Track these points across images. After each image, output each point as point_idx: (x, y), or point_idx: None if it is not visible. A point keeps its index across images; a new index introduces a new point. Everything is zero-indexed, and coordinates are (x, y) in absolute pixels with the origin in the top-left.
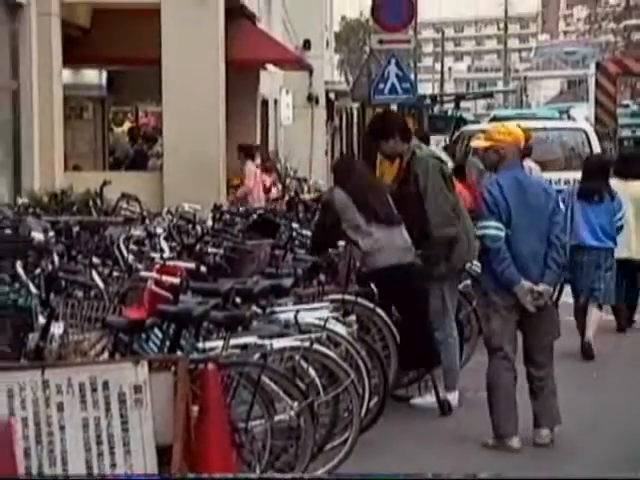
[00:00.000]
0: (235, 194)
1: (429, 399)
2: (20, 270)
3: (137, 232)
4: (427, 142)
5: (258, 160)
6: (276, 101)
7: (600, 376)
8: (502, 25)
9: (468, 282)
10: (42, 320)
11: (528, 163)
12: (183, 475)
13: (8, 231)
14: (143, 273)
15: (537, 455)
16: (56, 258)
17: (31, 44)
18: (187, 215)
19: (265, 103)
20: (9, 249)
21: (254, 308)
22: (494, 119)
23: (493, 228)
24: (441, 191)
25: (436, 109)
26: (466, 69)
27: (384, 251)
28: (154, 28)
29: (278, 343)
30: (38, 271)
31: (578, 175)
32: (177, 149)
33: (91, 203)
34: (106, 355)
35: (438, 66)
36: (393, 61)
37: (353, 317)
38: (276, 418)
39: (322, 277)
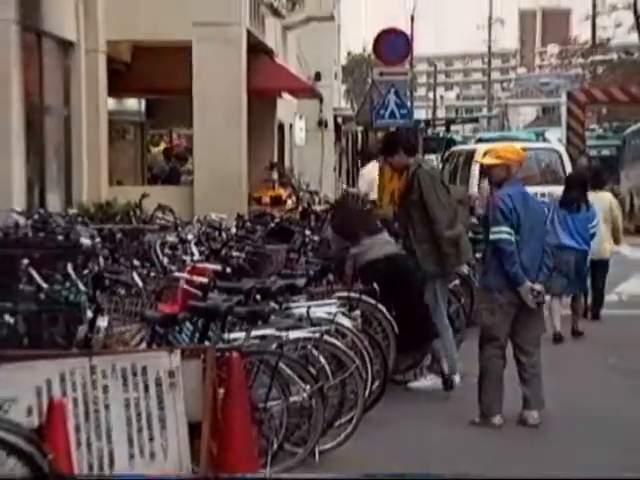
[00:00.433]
0: None
1: (424, 382)
2: (71, 271)
3: (171, 238)
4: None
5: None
6: (291, 125)
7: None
8: (486, 60)
9: (457, 282)
10: (90, 314)
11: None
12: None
13: (61, 237)
14: (176, 274)
15: (520, 431)
16: (101, 261)
17: (81, 77)
18: (214, 223)
19: (281, 127)
20: (61, 253)
21: (272, 304)
22: (480, 140)
23: (506, 232)
24: (443, 198)
25: (429, 132)
26: (455, 97)
27: (370, 249)
28: (186, 62)
29: (293, 334)
30: (86, 272)
31: (552, 189)
32: (205, 166)
33: (131, 213)
34: (144, 345)
35: (431, 95)
36: (392, 90)
37: (357, 312)
38: (291, 399)
39: (330, 277)
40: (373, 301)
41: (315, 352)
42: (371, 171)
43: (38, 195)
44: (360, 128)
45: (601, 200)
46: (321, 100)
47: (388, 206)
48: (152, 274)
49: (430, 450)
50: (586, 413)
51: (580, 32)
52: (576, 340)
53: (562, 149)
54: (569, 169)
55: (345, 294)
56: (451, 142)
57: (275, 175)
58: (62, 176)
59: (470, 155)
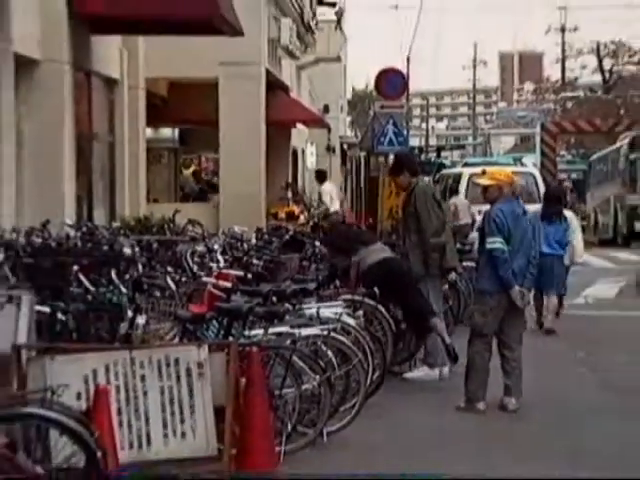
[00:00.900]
0: None
1: (417, 373)
2: (114, 276)
3: (200, 248)
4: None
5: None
6: (303, 150)
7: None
8: (471, 95)
9: (446, 286)
10: (130, 313)
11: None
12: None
13: (105, 247)
14: (204, 279)
15: (500, 415)
16: (140, 267)
17: (123, 109)
18: (237, 235)
19: (295, 152)
20: (106, 260)
21: (286, 305)
22: (466, 165)
23: (500, 242)
24: (433, 211)
25: (423, 157)
26: (445, 127)
27: (368, 256)
28: (213, 97)
29: (304, 331)
30: (127, 277)
31: (528, 207)
32: (229, 186)
33: (166, 226)
34: (176, 340)
35: (424, 125)
36: (391, 121)
37: (360, 312)
38: (303, 387)
39: (337, 282)
40: (374, 303)
41: (323, 347)
42: (332, 189)
43: (86, 210)
44: (363, 153)
45: (571, 213)
46: (329, 129)
47: (387, 220)
48: (183, 279)
49: (422, 431)
50: (558, 400)
51: (552, 73)
52: (549, 337)
53: (537, 172)
54: (542, 189)
55: (349, 297)
56: (441, 166)
57: (289, 194)
58: (107, 194)
59: (457, 177)
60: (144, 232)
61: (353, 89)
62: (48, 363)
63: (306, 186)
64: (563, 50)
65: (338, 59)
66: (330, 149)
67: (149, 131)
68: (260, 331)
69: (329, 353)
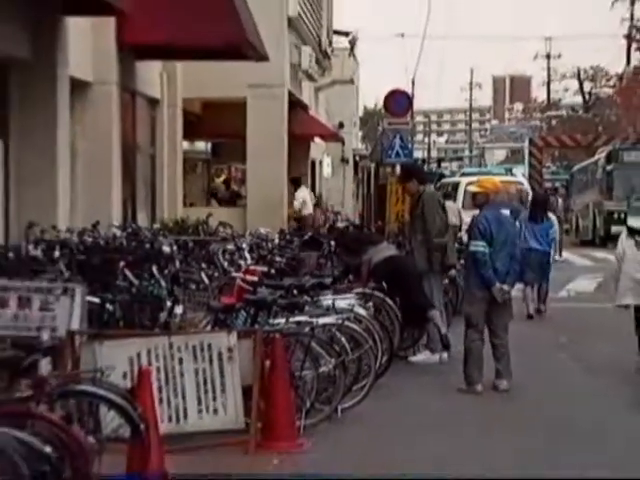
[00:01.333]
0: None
1: (420, 357)
2: (155, 271)
3: (230, 247)
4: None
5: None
6: (320, 161)
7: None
8: (468, 114)
9: (446, 281)
10: (168, 304)
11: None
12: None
13: (147, 245)
14: (233, 274)
15: (494, 395)
16: (178, 263)
17: (163, 125)
18: (262, 236)
19: (313, 163)
20: (148, 257)
21: (306, 297)
22: (463, 174)
23: (482, 246)
24: (438, 215)
25: (425, 167)
26: (444, 142)
27: (376, 254)
28: (242, 114)
29: (321, 320)
30: (166, 272)
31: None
32: (255, 192)
33: (200, 227)
34: (209, 327)
35: (426, 139)
36: (397, 136)
37: (370, 304)
38: (320, 369)
39: (350, 277)
40: (382, 295)
41: (338, 334)
42: (305, 194)
43: (131, 213)
44: (373, 164)
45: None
46: (343, 143)
47: (394, 223)
48: (215, 274)
49: (425, 408)
50: (543, 380)
51: (538, 94)
52: (536, 324)
53: (525, 181)
54: (530, 196)
55: (361, 290)
56: (442, 175)
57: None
58: (148, 199)
59: (456, 185)
60: (181, 233)
61: (364, 108)
62: (98, 347)
63: (323, 192)
64: (548, 74)
65: (351, 81)
66: (344, 160)
67: (185, 144)
68: (282, 320)
69: (343, 339)
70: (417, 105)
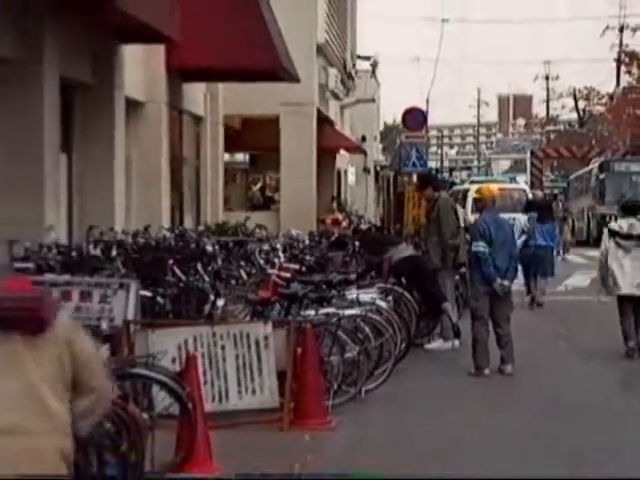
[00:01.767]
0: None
1: (435, 345)
2: (199, 268)
3: (265, 247)
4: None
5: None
6: (345, 171)
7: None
8: (476, 128)
9: (457, 277)
10: (212, 297)
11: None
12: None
13: (193, 245)
14: (269, 271)
15: (500, 378)
16: (219, 261)
17: (206, 139)
18: (293, 237)
19: (339, 172)
20: (193, 256)
21: (333, 292)
22: (472, 182)
23: (482, 246)
24: (451, 218)
25: (438, 176)
26: (455, 153)
27: (396, 254)
28: (276, 129)
29: (347, 312)
30: (209, 269)
31: (520, 215)
32: (288, 198)
33: (239, 230)
34: (248, 318)
35: (439, 151)
36: (414, 148)
37: (390, 297)
38: (346, 355)
39: (372, 274)
40: (401, 290)
41: (362, 324)
42: None
43: (178, 217)
44: (392, 173)
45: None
46: (365, 154)
47: (410, 225)
48: (253, 271)
49: (439, 389)
50: (543, 365)
51: (539, 111)
52: (536, 314)
53: (527, 188)
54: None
55: (382, 285)
56: (453, 183)
57: (335, 205)
58: (193, 204)
59: (465, 192)
60: (222, 234)
61: (384, 123)
62: (150, 335)
63: (348, 199)
64: (547, 94)
65: (373, 100)
66: (366, 170)
67: (226, 156)
68: (312, 311)
69: (366, 329)
70: (431, 121)
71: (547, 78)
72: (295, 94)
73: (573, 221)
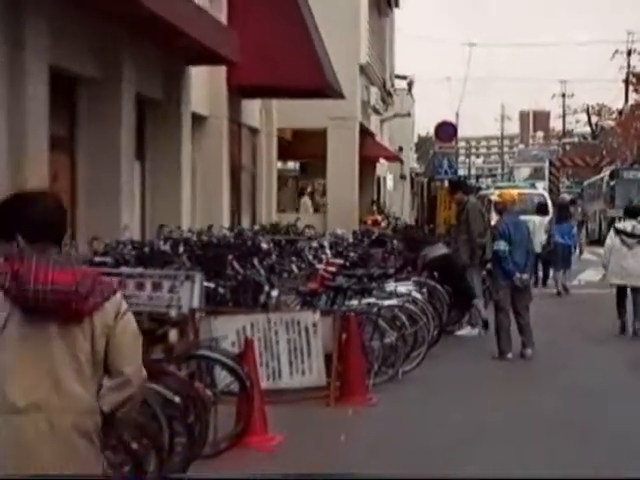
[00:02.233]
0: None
1: (463, 331)
2: (256, 262)
3: (314, 244)
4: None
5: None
6: (384, 178)
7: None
8: (500, 140)
9: (484, 273)
10: (267, 288)
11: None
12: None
13: (250, 243)
14: (317, 265)
15: (521, 361)
16: (273, 257)
17: (262, 149)
18: (339, 236)
19: (378, 179)
20: (250, 252)
21: (374, 284)
22: (497, 187)
23: (503, 245)
24: (479, 219)
25: (466, 182)
26: (481, 162)
27: (430, 252)
28: (323, 140)
29: (386, 302)
30: (265, 263)
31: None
32: (333, 201)
33: (290, 229)
34: (299, 307)
35: (467, 160)
36: (445, 157)
37: (425, 289)
38: (385, 341)
39: (409, 268)
40: (433, 283)
41: (399, 313)
42: (306, 200)
43: (237, 218)
44: (426, 180)
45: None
46: (402, 163)
47: (442, 226)
48: (303, 265)
49: (467, 371)
50: (560, 349)
51: (556, 125)
52: (555, 304)
53: (546, 194)
54: (550, 206)
55: (417, 279)
56: (479, 188)
57: (375, 207)
58: (250, 207)
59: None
60: (275, 233)
61: (418, 135)
62: (213, 321)
63: (386, 202)
64: (564, 110)
65: (408, 115)
66: (403, 177)
67: (279, 164)
68: (355, 302)
69: (403, 317)
70: (460, 133)
71: (563, 96)
72: (340, 109)
73: (586, 222)
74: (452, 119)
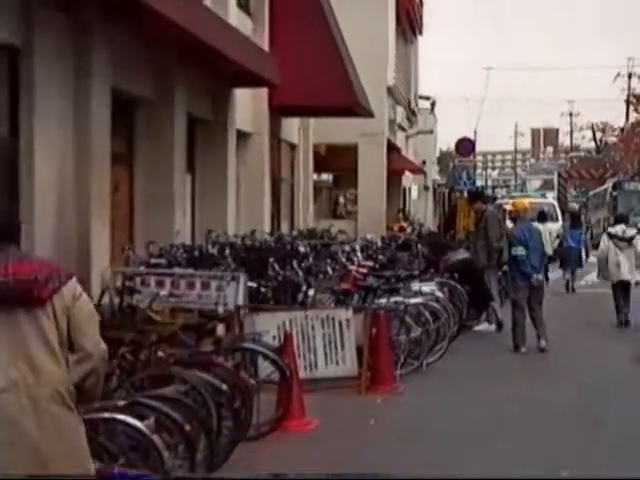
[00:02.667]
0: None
1: (481, 327)
2: (294, 264)
3: (346, 248)
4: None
5: (401, 215)
6: (409, 188)
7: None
8: (513, 154)
9: (500, 273)
10: (304, 288)
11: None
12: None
13: (289, 247)
14: (350, 267)
15: (535, 353)
16: (310, 259)
17: (299, 163)
18: (369, 240)
19: (404, 190)
20: (289, 255)
21: (400, 284)
22: (511, 197)
23: (521, 250)
24: (497, 226)
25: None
26: (497, 174)
27: (453, 256)
28: (354, 155)
29: (412, 300)
30: (302, 265)
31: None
32: (363, 209)
33: (325, 234)
34: (333, 305)
35: (484, 172)
36: (464, 170)
37: (446, 289)
38: (410, 335)
39: (432, 270)
40: (454, 283)
41: (423, 310)
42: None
43: (277, 224)
44: (447, 190)
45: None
46: (425, 175)
47: (462, 232)
48: (336, 267)
49: (485, 363)
50: (571, 342)
51: (564, 141)
52: (565, 301)
53: (555, 203)
54: (559, 214)
55: (440, 279)
56: (495, 198)
57: (401, 215)
58: (289, 214)
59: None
60: (312, 238)
61: (440, 150)
62: (256, 317)
63: (411, 210)
64: (571, 127)
65: (431, 131)
66: (426, 188)
67: (315, 176)
68: (384, 300)
69: (427, 314)
70: (478, 148)
71: (571, 115)
72: (370, 127)
73: (591, 229)
74: (471, 136)
